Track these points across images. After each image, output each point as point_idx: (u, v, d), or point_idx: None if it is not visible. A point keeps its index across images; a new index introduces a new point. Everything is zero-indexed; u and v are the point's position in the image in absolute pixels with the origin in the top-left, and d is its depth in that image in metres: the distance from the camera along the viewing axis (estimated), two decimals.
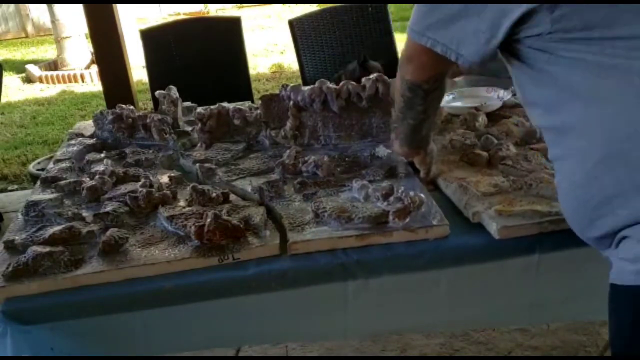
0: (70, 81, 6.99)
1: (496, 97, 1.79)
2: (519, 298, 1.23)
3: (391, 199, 1.21)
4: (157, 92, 1.82)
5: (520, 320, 1.34)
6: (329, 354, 2.14)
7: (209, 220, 1.17)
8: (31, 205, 1.36)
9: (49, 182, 1.51)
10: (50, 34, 8.39)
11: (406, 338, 2.15)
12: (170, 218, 1.25)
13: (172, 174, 1.49)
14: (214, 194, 1.33)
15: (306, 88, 1.60)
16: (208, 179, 1.47)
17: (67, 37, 7.17)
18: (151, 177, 1.45)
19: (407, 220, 1.18)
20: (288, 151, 1.50)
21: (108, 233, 1.19)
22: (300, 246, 1.16)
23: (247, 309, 1.16)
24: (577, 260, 1.17)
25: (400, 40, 2.46)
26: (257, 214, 1.23)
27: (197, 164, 1.52)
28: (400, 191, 1.22)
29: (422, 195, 1.22)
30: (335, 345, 2.16)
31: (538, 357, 2.05)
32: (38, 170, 3.90)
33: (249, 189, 1.38)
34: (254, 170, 1.50)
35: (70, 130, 1.98)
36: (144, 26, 3.08)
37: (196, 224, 1.18)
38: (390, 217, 1.17)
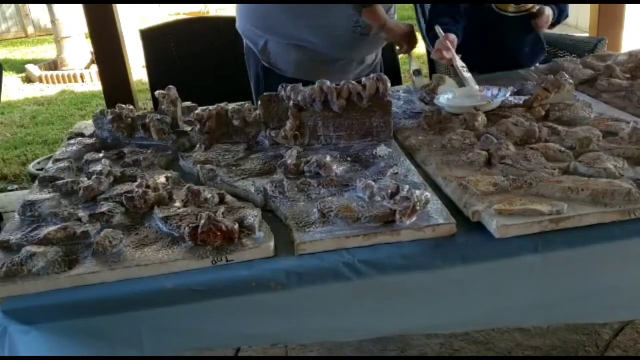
0: (70, 81, 7.00)
1: (493, 95, 1.79)
2: (520, 297, 1.22)
3: (397, 198, 1.21)
4: (157, 92, 1.81)
5: (522, 321, 1.34)
6: (329, 354, 2.14)
7: (203, 221, 1.17)
8: (28, 205, 1.36)
9: (47, 182, 1.51)
10: (50, 34, 8.41)
11: (406, 338, 2.15)
12: (165, 219, 1.25)
13: (169, 175, 1.49)
14: (209, 195, 1.33)
15: (306, 88, 1.60)
16: (210, 181, 1.47)
17: (67, 37, 7.18)
18: (148, 178, 1.44)
19: (414, 219, 1.18)
20: (290, 151, 1.50)
21: (102, 234, 1.19)
22: (308, 246, 1.16)
23: (247, 309, 1.15)
24: (578, 259, 1.17)
25: None
26: (252, 216, 1.23)
27: (199, 166, 1.52)
28: (406, 190, 1.22)
29: (427, 194, 1.23)
30: (335, 345, 2.16)
31: (538, 357, 2.05)
32: (38, 170, 3.90)
33: (252, 190, 1.38)
34: (256, 171, 1.50)
35: (70, 130, 1.98)
36: (144, 26, 3.08)
37: (190, 225, 1.18)
38: (397, 217, 1.17)
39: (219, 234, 1.16)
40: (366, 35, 2.11)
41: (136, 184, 1.40)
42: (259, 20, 2.16)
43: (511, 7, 2.23)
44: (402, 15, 2.42)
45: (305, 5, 2.04)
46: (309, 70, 2.00)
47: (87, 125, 1.97)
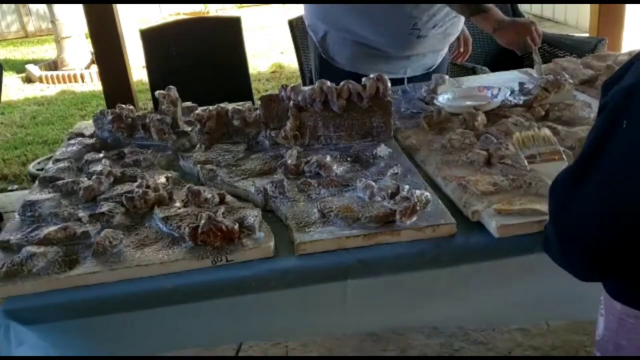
0: (70, 81, 6.99)
1: (493, 95, 1.79)
2: (519, 297, 1.23)
3: (397, 197, 1.21)
4: (157, 92, 1.81)
5: (519, 319, 1.34)
6: (329, 354, 2.14)
7: (203, 221, 1.17)
8: (28, 205, 1.36)
9: (47, 182, 1.51)
10: (50, 34, 8.40)
11: (406, 338, 2.15)
12: (165, 219, 1.25)
13: (169, 175, 1.49)
14: (209, 195, 1.33)
15: (306, 88, 1.60)
16: (210, 181, 1.47)
17: (67, 37, 7.17)
18: (148, 178, 1.44)
19: (414, 219, 1.18)
20: (290, 151, 1.50)
21: (102, 234, 1.20)
22: (309, 246, 1.16)
23: (247, 309, 1.15)
24: None
25: None
26: (252, 216, 1.23)
27: (199, 166, 1.52)
28: (406, 190, 1.22)
29: (427, 194, 1.23)
30: (335, 345, 2.16)
31: (538, 357, 2.05)
32: (38, 170, 3.90)
33: (252, 190, 1.38)
34: (256, 171, 1.50)
35: (70, 130, 1.98)
36: (144, 26, 3.09)
37: (190, 225, 1.18)
38: (397, 216, 1.18)
39: (219, 234, 1.16)
40: (424, 37, 2.05)
41: (136, 184, 1.40)
42: (320, 11, 2.15)
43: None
44: None
45: (364, 4, 2.00)
46: (364, 65, 1.95)
47: (87, 125, 1.97)
